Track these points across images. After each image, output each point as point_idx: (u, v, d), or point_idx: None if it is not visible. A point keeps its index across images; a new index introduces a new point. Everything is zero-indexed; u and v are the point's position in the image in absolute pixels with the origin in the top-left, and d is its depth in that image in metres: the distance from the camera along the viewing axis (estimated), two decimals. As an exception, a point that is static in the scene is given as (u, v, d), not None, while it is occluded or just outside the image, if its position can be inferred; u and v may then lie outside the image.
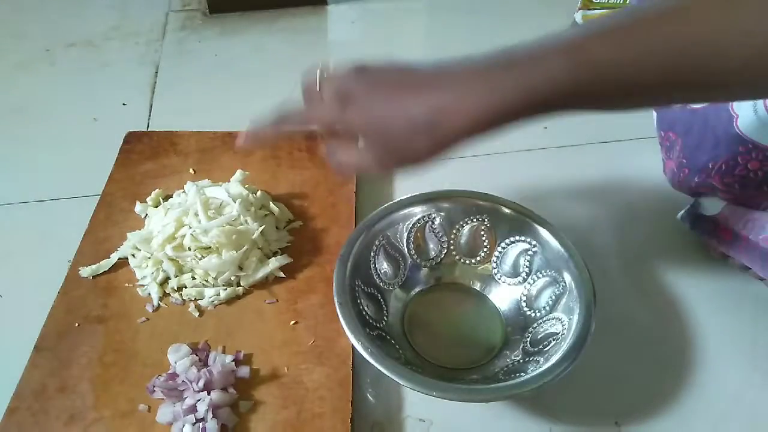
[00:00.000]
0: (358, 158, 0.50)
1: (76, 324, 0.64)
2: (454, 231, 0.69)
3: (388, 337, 0.62)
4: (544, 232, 0.65)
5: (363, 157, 0.49)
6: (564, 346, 0.57)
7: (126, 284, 0.67)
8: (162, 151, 0.82)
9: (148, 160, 0.81)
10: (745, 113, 0.63)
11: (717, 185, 0.67)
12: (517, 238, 0.67)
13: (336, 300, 0.59)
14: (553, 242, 0.65)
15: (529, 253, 0.67)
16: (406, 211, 0.68)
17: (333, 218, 0.74)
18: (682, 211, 0.74)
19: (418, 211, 0.68)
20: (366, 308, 0.62)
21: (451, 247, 0.70)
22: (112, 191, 0.77)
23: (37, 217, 0.78)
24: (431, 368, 0.62)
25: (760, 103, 0.62)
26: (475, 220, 0.69)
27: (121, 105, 0.95)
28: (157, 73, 1.03)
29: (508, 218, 0.68)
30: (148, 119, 0.92)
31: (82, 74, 1.03)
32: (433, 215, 0.69)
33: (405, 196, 0.69)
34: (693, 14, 0.41)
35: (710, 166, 0.67)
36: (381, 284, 0.66)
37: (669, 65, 0.42)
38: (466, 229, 0.69)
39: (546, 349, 0.59)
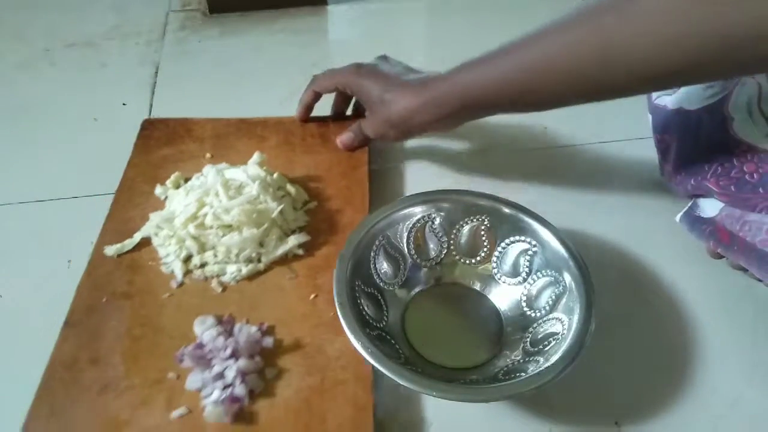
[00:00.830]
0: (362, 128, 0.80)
1: (103, 300, 0.66)
2: (454, 231, 0.70)
3: (388, 337, 0.63)
4: (544, 232, 0.66)
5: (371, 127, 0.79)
6: (564, 346, 0.57)
7: (149, 262, 0.70)
8: (178, 137, 0.84)
9: (165, 145, 0.83)
10: (740, 116, 0.64)
11: (713, 187, 0.67)
12: (517, 238, 0.68)
13: (336, 300, 0.60)
14: (553, 242, 0.65)
15: (529, 253, 0.67)
16: (406, 211, 0.69)
17: (347, 199, 0.77)
18: (681, 213, 0.74)
19: (418, 211, 0.69)
20: (366, 308, 0.63)
21: (451, 247, 0.70)
22: (132, 175, 0.79)
23: (37, 217, 0.78)
24: (431, 368, 0.62)
25: (754, 105, 0.63)
26: (475, 220, 0.69)
27: (121, 105, 0.96)
28: (157, 73, 1.03)
29: (508, 218, 0.68)
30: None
31: (82, 74, 1.03)
32: (433, 215, 0.69)
33: (405, 196, 0.71)
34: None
35: (706, 168, 0.67)
36: (381, 284, 0.67)
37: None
38: (466, 229, 0.70)
39: (546, 349, 0.59)
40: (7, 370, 0.63)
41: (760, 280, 0.70)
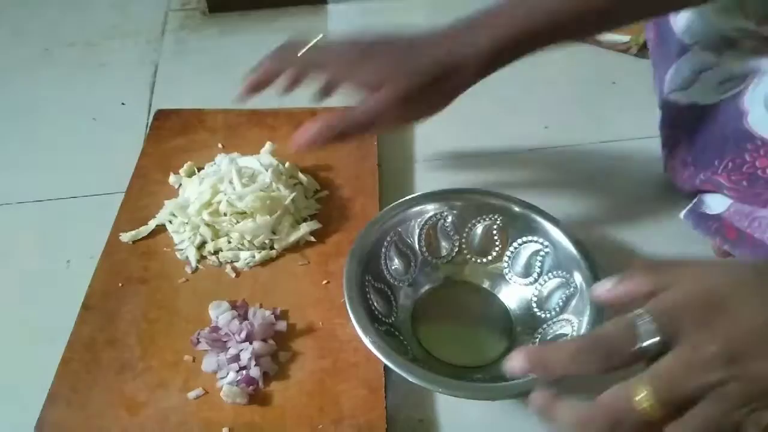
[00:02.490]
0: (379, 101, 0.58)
1: (120, 284, 0.68)
2: (467, 229, 0.70)
3: (396, 333, 0.63)
4: (556, 232, 0.66)
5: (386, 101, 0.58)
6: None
7: (164, 248, 0.71)
8: (191, 127, 0.86)
9: (177, 135, 0.85)
10: (756, 109, 0.63)
11: (724, 182, 0.66)
12: (530, 238, 0.67)
13: (345, 294, 0.60)
14: (565, 243, 0.65)
15: (541, 253, 0.67)
16: (418, 208, 0.69)
17: (358, 188, 0.78)
18: (685, 210, 0.73)
19: (430, 208, 0.69)
20: (375, 303, 0.63)
21: (463, 246, 0.70)
22: (146, 164, 0.81)
23: (35, 217, 0.79)
24: (439, 365, 0.63)
25: None
26: (487, 219, 0.69)
27: (120, 104, 0.96)
28: (156, 72, 1.03)
29: (521, 218, 0.68)
30: (148, 118, 0.92)
31: (81, 74, 1.03)
32: (446, 213, 0.69)
33: (418, 194, 0.70)
34: None
35: (716, 163, 0.67)
36: (391, 280, 0.67)
37: None
38: (478, 228, 0.69)
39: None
40: (7, 370, 0.64)
41: None
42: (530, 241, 0.68)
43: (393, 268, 0.68)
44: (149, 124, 0.88)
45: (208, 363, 0.61)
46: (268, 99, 0.92)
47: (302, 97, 0.83)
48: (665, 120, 0.75)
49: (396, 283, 0.68)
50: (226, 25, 1.16)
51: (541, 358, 0.41)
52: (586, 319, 0.59)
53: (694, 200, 0.73)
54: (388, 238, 0.67)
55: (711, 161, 0.68)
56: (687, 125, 0.71)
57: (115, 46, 1.10)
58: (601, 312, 0.59)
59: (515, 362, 0.42)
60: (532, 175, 0.86)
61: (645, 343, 0.38)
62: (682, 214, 0.73)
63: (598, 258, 0.64)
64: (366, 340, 0.57)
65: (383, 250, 0.67)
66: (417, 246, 0.69)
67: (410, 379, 0.54)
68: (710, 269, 0.41)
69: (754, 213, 0.65)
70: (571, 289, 0.63)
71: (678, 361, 0.37)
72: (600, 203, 0.81)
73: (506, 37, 0.57)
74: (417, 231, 0.69)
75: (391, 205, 0.69)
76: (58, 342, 0.63)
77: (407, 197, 0.69)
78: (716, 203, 0.70)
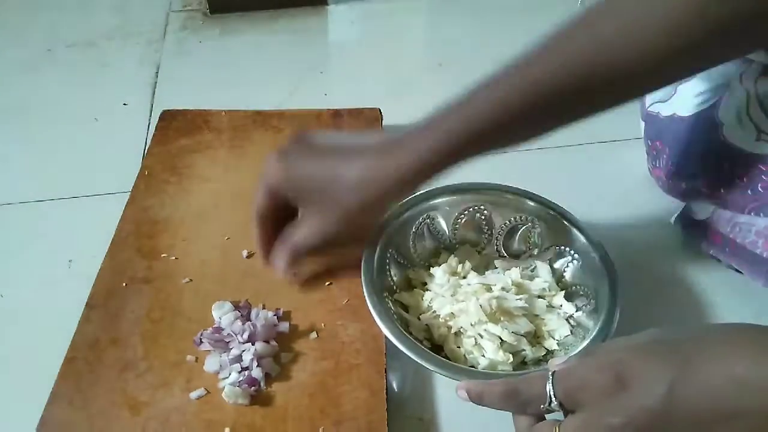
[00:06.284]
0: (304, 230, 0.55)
1: (123, 284, 0.68)
2: (502, 226, 0.70)
3: (406, 308, 0.64)
4: (586, 245, 0.65)
5: (308, 227, 0.55)
6: (578, 348, 0.57)
7: (168, 248, 0.72)
8: (196, 128, 0.87)
9: (183, 136, 0.85)
10: (729, 121, 0.66)
11: (704, 190, 0.69)
12: (562, 248, 0.67)
13: (364, 256, 0.61)
14: (594, 255, 0.64)
15: (568, 264, 0.67)
16: (458, 197, 0.69)
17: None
18: (675, 215, 0.75)
19: (470, 199, 0.69)
20: (393, 277, 0.65)
21: (495, 242, 0.70)
22: (151, 164, 0.81)
23: (38, 217, 0.79)
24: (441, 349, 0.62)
25: (743, 111, 0.65)
26: (526, 221, 0.69)
27: (122, 105, 0.97)
28: (157, 73, 1.04)
29: (557, 225, 0.68)
30: (149, 119, 0.93)
31: (83, 74, 1.05)
32: (483, 207, 0.69)
33: (459, 182, 0.68)
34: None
35: (697, 172, 0.69)
36: (416, 258, 0.68)
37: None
38: (514, 228, 0.70)
39: (557, 351, 0.61)
40: (10, 369, 0.64)
41: None
42: (563, 252, 0.68)
43: (420, 248, 0.68)
44: (152, 125, 0.89)
45: (211, 363, 0.61)
46: (271, 99, 0.94)
47: (305, 98, 0.84)
48: (648, 132, 0.78)
49: (421, 262, 0.68)
50: (227, 26, 1.18)
51: (478, 394, 0.49)
52: (596, 327, 0.59)
53: (683, 205, 0.74)
54: (421, 219, 0.68)
55: (692, 171, 0.70)
56: (668, 137, 0.74)
57: (117, 46, 1.12)
58: (609, 322, 0.59)
59: (461, 392, 0.50)
60: (531, 175, 0.82)
61: (551, 405, 0.45)
62: (672, 219, 0.75)
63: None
64: (369, 304, 0.58)
65: (414, 229, 0.68)
66: (448, 232, 0.70)
67: (405, 352, 0.55)
68: (627, 344, 0.45)
69: (735, 218, 0.66)
70: (590, 301, 0.63)
71: (585, 424, 0.43)
72: (597, 203, 0.81)
73: (428, 159, 0.53)
74: (452, 218, 0.70)
75: (432, 188, 0.67)
76: (60, 341, 0.63)
77: (447, 184, 0.68)
78: (702, 209, 0.71)
